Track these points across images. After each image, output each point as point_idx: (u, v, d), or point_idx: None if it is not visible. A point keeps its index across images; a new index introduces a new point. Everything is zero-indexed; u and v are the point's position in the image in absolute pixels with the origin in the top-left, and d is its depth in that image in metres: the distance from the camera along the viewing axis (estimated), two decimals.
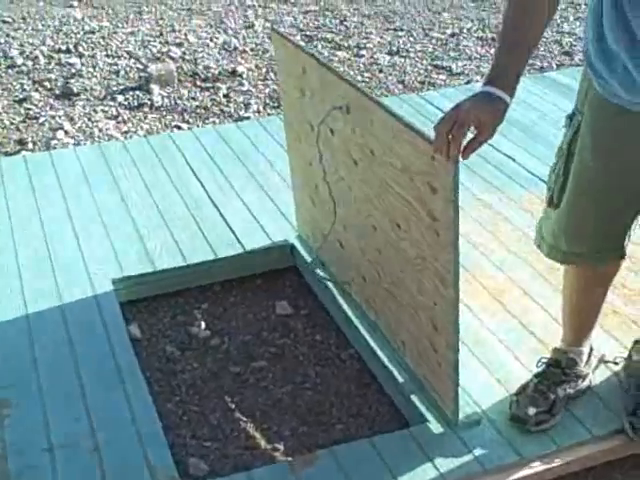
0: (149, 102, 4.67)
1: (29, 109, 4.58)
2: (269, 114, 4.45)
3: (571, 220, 1.90)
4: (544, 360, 2.14)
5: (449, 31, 5.93)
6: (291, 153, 2.70)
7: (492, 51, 5.51)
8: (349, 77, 2.13)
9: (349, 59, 5.38)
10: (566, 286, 2.12)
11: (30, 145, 4.14)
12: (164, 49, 5.54)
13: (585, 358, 2.14)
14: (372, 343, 2.35)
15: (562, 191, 1.88)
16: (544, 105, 3.89)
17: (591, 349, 2.17)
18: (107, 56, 5.42)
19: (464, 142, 1.60)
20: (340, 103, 2.10)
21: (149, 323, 2.63)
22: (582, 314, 2.14)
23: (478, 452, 1.96)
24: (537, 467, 1.94)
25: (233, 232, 2.91)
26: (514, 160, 3.39)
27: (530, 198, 3.09)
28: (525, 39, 1.65)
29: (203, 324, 2.62)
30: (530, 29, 1.65)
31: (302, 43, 5.61)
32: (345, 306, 2.52)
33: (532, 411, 1.99)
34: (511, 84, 1.62)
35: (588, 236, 1.91)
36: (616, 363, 2.22)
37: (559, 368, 2.09)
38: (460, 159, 1.62)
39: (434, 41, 5.72)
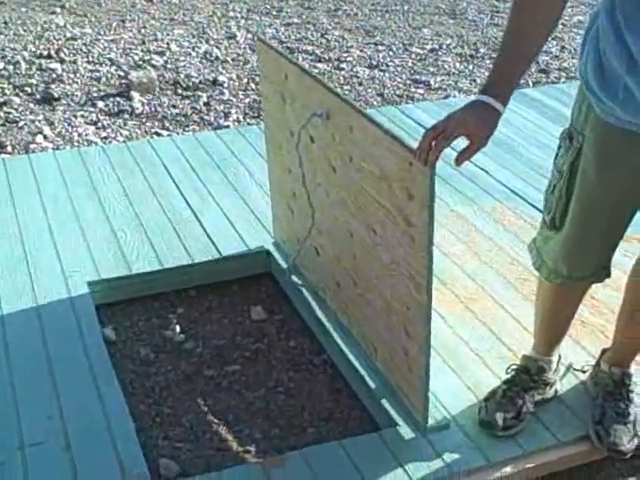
0: (129, 109, 4.69)
1: (9, 113, 4.59)
2: (249, 123, 4.49)
3: (576, 242, 1.88)
4: (514, 367, 2.18)
5: (428, 47, 6.01)
6: (270, 160, 2.74)
7: (470, 67, 5.60)
8: (330, 84, 2.16)
9: (329, 71, 5.44)
10: (541, 299, 2.13)
11: (9, 149, 4.14)
12: (146, 57, 5.56)
13: (554, 366, 2.18)
14: (345, 349, 2.38)
15: (564, 213, 1.87)
16: (518, 120, 3.96)
17: (559, 357, 2.21)
18: (88, 62, 5.43)
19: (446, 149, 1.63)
20: (320, 110, 2.13)
21: (124, 326, 2.64)
22: (555, 326, 2.17)
23: (447, 456, 1.99)
24: (504, 471, 1.97)
25: (210, 238, 2.94)
26: (488, 173, 3.44)
27: (502, 210, 3.15)
28: (528, 50, 1.65)
29: (178, 328, 2.63)
30: (534, 40, 1.64)
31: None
32: (319, 312, 2.55)
33: (500, 416, 2.03)
34: (506, 93, 1.64)
35: (592, 258, 1.92)
36: (584, 371, 2.27)
37: (528, 375, 2.13)
38: (435, 167, 1.65)
39: (413, 56, 5.79)
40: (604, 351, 2.24)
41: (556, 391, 2.18)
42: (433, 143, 1.63)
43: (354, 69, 5.49)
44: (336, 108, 2.06)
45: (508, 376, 2.16)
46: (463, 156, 1.63)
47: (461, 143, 1.64)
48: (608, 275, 2.00)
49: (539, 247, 2.01)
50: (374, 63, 5.60)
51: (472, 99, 1.66)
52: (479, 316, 2.51)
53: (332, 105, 2.08)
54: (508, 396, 2.09)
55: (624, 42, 1.60)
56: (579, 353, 2.34)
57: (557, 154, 1.89)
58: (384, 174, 1.89)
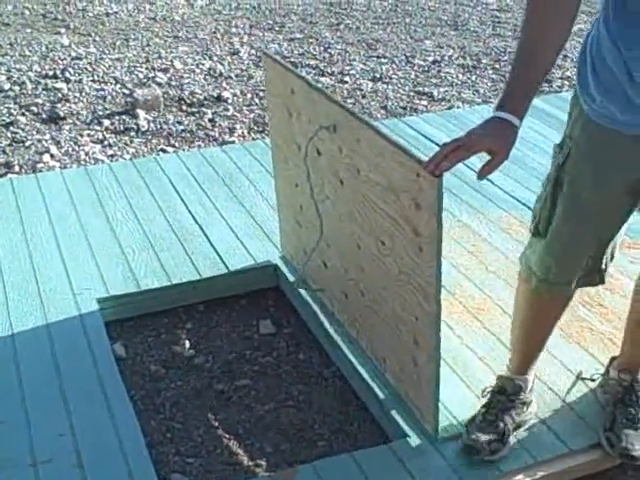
0: (135, 126, 4.72)
1: (16, 133, 4.62)
2: (254, 138, 4.51)
3: (561, 249, 1.88)
4: (489, 389, 2.14)
5: (431, 58, 6.03)
6: (277, 174, 2.75)
7: (473, 78, 5.62)
8: (336, 98, 2.18)
9: (333, 85, 5.46)
10: (520, 312, 2.10)
11: (17, 168, 4.17)
12: (150, 75, 5.60)
13: (530, 385, 2.14)
14: (354, 361, 2.39)
15: (548, 220, 1.87)
16: (522, 130, 3.94)
17: (534, 377, 2.17)
18: (94, 81, 5.47)
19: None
20: (327, 123, 2.15)
21: (134, 342, 2.65)
22: (533, 341, 2.14)
23: (458, 466, 1.99)
24: None
25: (217, 253, 2.95)
26: (493, 183, 3.45)
27: (509, 219, 3.16)
28: (541, 66, 1.64)
29: (187, 343, 2.64)
30: (546, 56, 1.64)
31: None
32: (327, 325, 2.55)
33: (484, 441, 1.98)
34: (523, 108, 1.64)
35: (581, 260, 1.90)
36: (593, 380, 2.26)
37: (504, 395, 2.09)
38: (443, 177, 1.67)
39: (416, 68, 5.82)
40: (613, 359, 2.24)
41: (534, 412, 2.13)
42: (451, 155, 1.63)
43: (357, 82, 5.52)
44: (343, 121, 2.08)
45: (485, 399, 2.12)
46: (486, 169, 1.64)
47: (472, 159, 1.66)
48: (602, 281, 1.97)
49: (527, 257, 1.99)
50: (377, 76, 5.63)
51: (489, 116, 1.66)
52: (487, 326, 2.52)
53: (339, 118, 2.10)
54: (488, 420, 2.04)
55: (619, 49, 1.63)
56: (588, 361, 2.34)
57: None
58: (391, 185, 1.91)
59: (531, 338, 2.13)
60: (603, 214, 1.84)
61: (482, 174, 1.64)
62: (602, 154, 1.77)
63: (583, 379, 2.27)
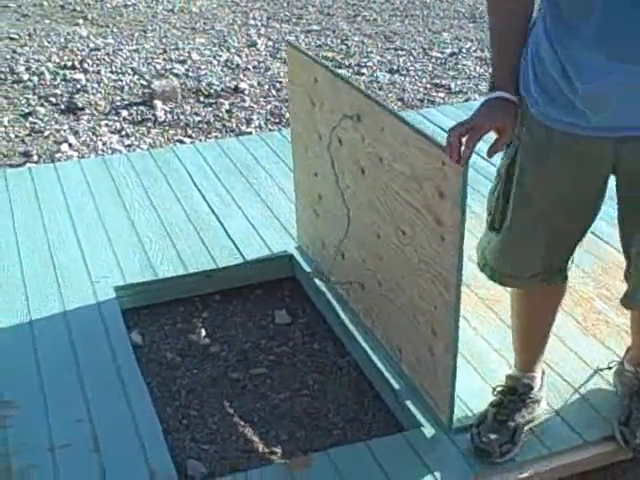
0: (152, 117, 4.75)
1: (34, 123, 4.66)
2: (270, 129, 4.52)
3: (513, 244, 1.88)
4: (499, 388, 2.12)
5: (448, 50, 6.01)
6: (296, 164, 2.76)
7: (490, 70, 5.59)
8: (361, 86, 2.18)
9: (350, 77, 5.46)
10: (515, 311, 2.11)
11: (35, 157, 4.20)
12: (168, 66, 5.62)
13: (539, 382, 2.13)
14: (369, 350, 2.40)
15: (502, 215, 1.87)
16: None
17: (543, 373, 2.17)
18: (111, 72, 5.50)
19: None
20: (351, 112, 2.15)
21: (150, 330, 2.67)
22: (533, 339, 2.13)
23: (471, 456, 1.99)
24: (530, 471, 1.97)
25: (234, 242, 2.96)
26: None
27: None
28: (513, 43, 1.73)
29: (203, 332, 2.66)
30: (515, 33, 1.73)
31: None
32: (343, 315, 2.56)
33: (495, 442, 1.97)
34: (513, 84, 1.72)
35: (534, 259, 1.89)
36: (610, 368, 2.25)
37: (516, 395, 2.08)
38: (468, 165, 1.68)
39: (434, 60, 5.81)
40: (629, 349, 2.23)
41: (545, 408, 2.12)
42: (463, 140, 1.65)
43: (374, 74, 5.51)
44: (367, 110, 2.08)
45: (495, 398, 2.10)
46: (495, 147, 1.68)
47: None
48: (564, 278, 1.96)
49: (483, 247, 1.99)
50: (394, 68, 5.62)
51: (485, 98, 1.72)
52: (502, 317, 2.51)
53: (362, 107, 2.10)
54: (499, 420, 2.02)
55: (555, 50, 1.64)
56: (604, 353, 2.34)
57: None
58: (415, 174, 1.91)
59: (529, 337, 2.12)
60: (556, 215, 1.82)
61: (492, 152, 1.67)
62: (547, 156, 1.76)
63: (601, 370, 2.26)
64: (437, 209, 1.84)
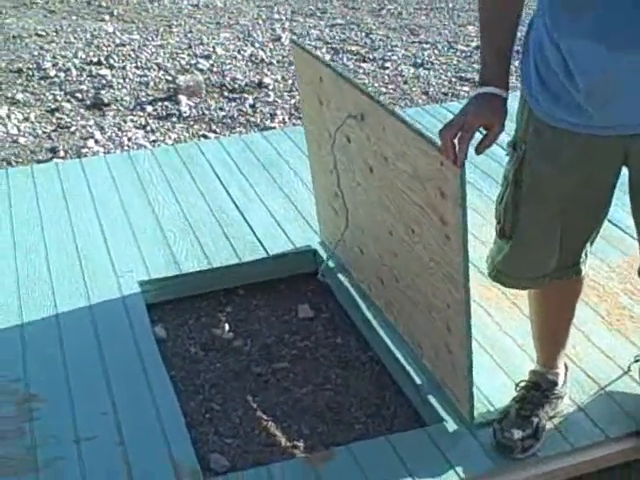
0: (177, 112, 4.77)
1: (61, 119, 4.70)
2: (294, 124, 4.53)
3: (528, 246, 1.87)
4: (522, 384, 2.11)
5: (473, 44, 5.97)
6: (312, 161, 2.77)
7: (515, 63, 5.55)
8: (363, 86, 2.18)
9: (374, 71, 5.45)
10: (533, 309, 2.10)
11: (62, 153, 4.25)
12: (192, 61, 5.65)
13: (562, 378, 2.12)
14: (391, 346, 2.40)
15: (513, 221, 1.85)
16: None
17: (566, 368, 2.15)
18: (137, 68, 5.54)
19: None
20: (355, 111, 2.16)
21: (174, 324, 2.70)
22: (552, 335, 2.11)
23: (493, 451, 1.99)
24: (551, 466, 1.97)
25: (257, 237, 2.98)
26: None
27: None
28: (504, 36, 1.72)
29: (227, 326, 2.68)
30: (505, 26, 1.72)
31: (327, 56, 5.70)
32: (365, 310, 2.57)
33: (518, 438, 1.96)
34: (503, 79, 1.71)
35: (546, 260, 1.88)
36: (637, 360, 2.23)
37: (539, 391, 2.07)
38: (465, 165, 1.68)
39: (458, 53, 5.77)
40: None
41: (568, 404, 2.11)
42: (455, 140, 1.65)
43: (399, 68, 5.49)
44: (369, 109, 2.08)
45: (518, 393, 2.09)
46: (484, 144, 1.67)
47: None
48: (578, 273, 1.95)
49: (493, 257, 1.97)
50: (419, 62, 5.60)
51: (474, 93, 1.72)
52: (525, 312, 2.49)
53: (365, 106, 2.10)
54: (522, 415, 2.01)
55: (557, 45, 1.62)
56: (628, 349, 2.32)
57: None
58: (417, 174, 1.91)
59: (548, 333, 2.11)
60: (572, 211, 1.81)
61: (481, 149, 1.67)
62: (558, 154, 1.74)
63: (629, 369, 2.23)
64: (440, 208, 1.83)
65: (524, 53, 1.75)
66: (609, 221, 2.58)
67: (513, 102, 1.77)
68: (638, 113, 1.63)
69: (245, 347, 2.59)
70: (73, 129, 4.56)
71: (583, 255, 1.94)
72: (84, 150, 4.25)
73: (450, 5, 7.08)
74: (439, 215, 1.85)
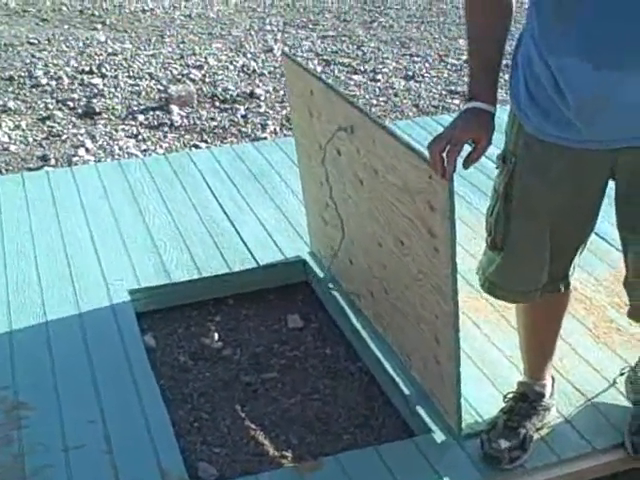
0: (169, 122, 4.79)
1: (52, 127, 4.71)
2: (285, 135, 4.55)
3: (519, 259, 1.88)
4: (510, 395, 2.12)
5: (464, 57, 6.01)
6: (302, 172, 2.78)
7: (506, 77, 5.59)
8: (352, 99, 2.20)
9: (365, 83, 5.48)
10: (521, 321, 2.11)
11: (52, 161, 4.25)
12: (184, 71, 5.67)
13: (549, 390, 2.13)
14: (380, 356, 2.41)
15: (504, 233, 1.86)
16: None
17: (553, 380, 2.16)
18: (129, 77, 5.55)
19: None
20: (345, 124, 2.17)
21: (163, 333, 2.70)
22: (539, 347, 2.13)
23: (480, 462, 2.00)
24: (538, 477, 1.98)
25: (247, 247, 2.99)
26: None
27: None
28: (492, 51, 1.72)
29: (216, 335, 2.68)
30: (493, 41, 1.72)
31: (318, 67, 5.73)
32: (354, 320, 2.58)
33: (505, 445, 1.96)
34: (491, 94, 1.71)
35: (537, 273, 1.89)
36: (622, 374, 2.25)
37: (527, 402, 2.07)
38: (453, 179, 1.69)
39: (449, 67, 5.82)
40: None
41: (555, 416, 2.12)
42: (444, 154, 1.66)
43: (390, 80, 5.53)
44: (359, 122, 2.10)
45: (506, 405, 2.10)
46: (471, 158, 1.69)
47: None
48: (567, 286, 1.97)
49: (484, 269, 1.98)
50: (410, 74, 5.63)
51: (463, 108, 1.73)
52: (513, 324, 2.51)
53: (355, 119, 2.11)
54: (509, 426, 2.01)
55: (546, 61, 1.64)
56: (615, 362, 2.34)
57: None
58: (407, 187, 1.92)
59: (536, 345, 2.12)
60: (562, 224, 1.83)
61: (469, 164, 1.69)
62: (547, 168, 1.76)
63: (615, 381, 2.25)
64: (429, 221, 1.85)
65: (513, 68, 1.77)
66: (596, 234, 2.59)
67: (502, 115, 1.80)
68: (626, 127, 1.66)
69: (234, 356, 2.60)
70: (64, 137, 4.57)
71: (571, 268, 1.96)
72: (75, 158, 4.26)
73: (441, 19, 7.14)
74: (428, 228, 1.86)
